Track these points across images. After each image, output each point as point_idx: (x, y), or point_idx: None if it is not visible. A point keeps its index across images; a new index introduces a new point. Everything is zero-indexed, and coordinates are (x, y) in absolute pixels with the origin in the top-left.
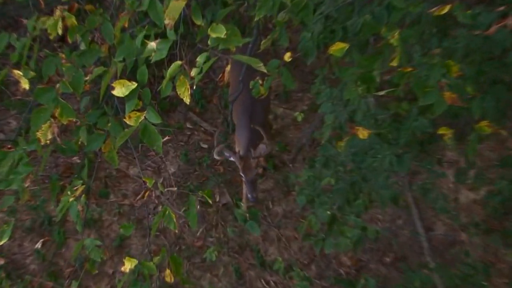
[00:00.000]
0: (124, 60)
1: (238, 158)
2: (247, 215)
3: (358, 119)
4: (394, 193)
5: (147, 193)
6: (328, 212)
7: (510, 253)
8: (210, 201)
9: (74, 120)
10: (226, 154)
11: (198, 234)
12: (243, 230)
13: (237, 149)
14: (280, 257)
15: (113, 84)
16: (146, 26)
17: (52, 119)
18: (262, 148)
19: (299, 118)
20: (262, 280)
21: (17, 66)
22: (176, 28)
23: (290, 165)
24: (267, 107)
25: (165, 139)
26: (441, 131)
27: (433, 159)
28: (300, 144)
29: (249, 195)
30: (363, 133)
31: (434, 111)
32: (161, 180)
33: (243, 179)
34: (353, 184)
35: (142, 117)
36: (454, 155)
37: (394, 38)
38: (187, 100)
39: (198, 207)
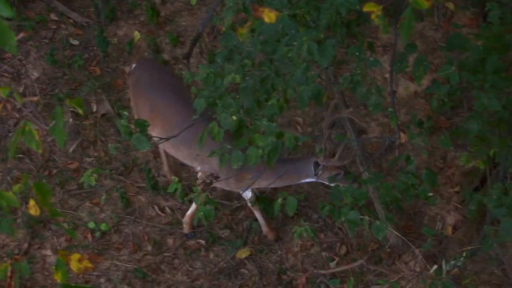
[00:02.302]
0: None
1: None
2: (133, 126)
3: None
4: (316, 89)
5: (1, 106)
6: (234, 117)
7: (462, 156)
8: (82, 112)
9: None
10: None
11: (72, 154)
12: (129, 146)
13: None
14: (176, 177)
15: None
16: None
17: None
18: None
19: (194, 1)
20: (155, 207)
21: None
22: None
23: (185, 61)
24: None
25: (20, 36)
26: (368, 7)
27: (363, 44)
28: (196, 34)
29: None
30: (269, 16)
31: None
32: (21, 88)
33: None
34: (264, 80)
35: None
36: (390, 37)
37: None
38: None
39: (71, 120)
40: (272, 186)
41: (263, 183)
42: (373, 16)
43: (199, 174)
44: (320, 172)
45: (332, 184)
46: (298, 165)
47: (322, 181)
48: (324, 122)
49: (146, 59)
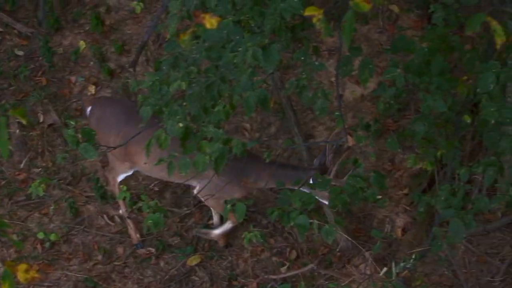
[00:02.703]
0: None
1: None
2: (80, 135)
3: (212, 5)
4: (262, 94)
5: None
6: (181, 124)
7: (409, 158)
8: (25, 122)
9: None
10: None
11: (20, 165)
12: (77, 156)
13: None
14: (125, 185)
15: None
16: None
17: None
18: None
19: (138, 9)
20: (105, 216)
21: None
22: None
23: (131, 69)
24: None
25: None
26: (309, 11)
27: (308, 49)
28: (141, 42)
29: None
30: (211, 22)
31: None
32: None
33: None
34: (209, 87)
35: None
36: (335, 41)
37: None
38: None
39: (17, 131)
40: (268, 186)
41: (261, 184)
42: (314, 20)
43: (196, 190)
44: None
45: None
46: (299, 173)
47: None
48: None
49: (100, 98)
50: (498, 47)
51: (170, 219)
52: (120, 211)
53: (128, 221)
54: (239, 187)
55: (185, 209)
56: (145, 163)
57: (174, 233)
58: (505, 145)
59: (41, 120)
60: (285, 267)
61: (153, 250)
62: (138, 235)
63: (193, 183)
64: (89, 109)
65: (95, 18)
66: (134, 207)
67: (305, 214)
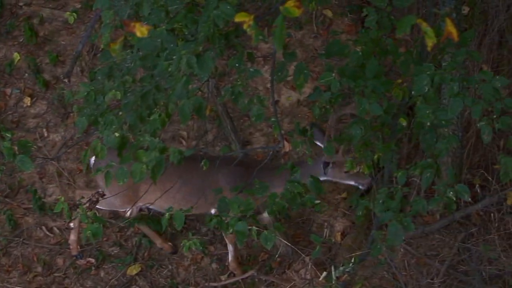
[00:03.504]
0: None
1: None
2: (16, 147)
3: (145, 13)
4: (197, 102)
5: None
6: (117, 134)
7: (347, 162)
8: None
9: None
10: None
11: None
12: (14, 168)
13: None
14: (62, 196)
15: None
16: None
17: None
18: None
19: (72, 20)
20: (43, 227)
21: None
22: None
23: (65, 80)
24: None
25: None
26: (239, 17)
27: (242, 55)
28: (76, 53)
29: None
30: (141, 30)
31: None
32: None
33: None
34: (145, 95)
35: None
36: (270, 47)
37: None
38: None
39: None
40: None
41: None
42: (245, 26)
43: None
44: (329, 170)
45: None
46: (308, 167)
47: (330, 179)
48: (329, 120)
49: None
50: (429, 49)
51: (109, 229)
52: (71, 224)
53: (74, 231)
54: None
55: (124, 220)
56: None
57: (114, 243)
58: (441, 146)
59: None
60: (226, 274)
61: (93, 260)
62: (78, 246)
63: (211, 211)
64: (93, 159)
65: (28, 29)
66: (72, 218)
67: (243, 221)
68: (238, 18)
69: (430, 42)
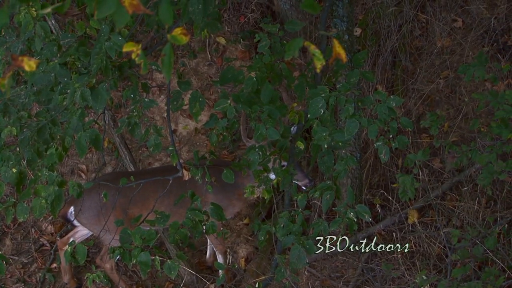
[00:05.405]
0: None
1: None
2: None
3: (37, 48)
4: (93, 134)
5: None
6: (14, 170)
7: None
8: None
9: None
10: None
11: None
12: None
13: None
14: None
15: None
16: None
17: None
18: None
19: None
20: None
21: None
22: None
23: None
24: None
25: None
26: (127, 47)
27: (137, 86)
28: None
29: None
30: (29, 64)
31: (116, 23)
32: None
33: None
34: (41, 130)
35: None
36: (165, 77)
37: None
38: None
39: None
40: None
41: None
42: (133, 56)
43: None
44: None
45: None
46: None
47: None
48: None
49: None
50: (318, 70)
51: (12, 266)
52: None
53: None
54: (237, 201)
55: (28, 256)
56: None
57: (17, 279)
58: (340, 168)
59: None
60: None
61: None
62: None
63: None
64: (70, 210)
65: None
66: None
67: (146, 251)
68: (126, 48)
69: (318, 64)
